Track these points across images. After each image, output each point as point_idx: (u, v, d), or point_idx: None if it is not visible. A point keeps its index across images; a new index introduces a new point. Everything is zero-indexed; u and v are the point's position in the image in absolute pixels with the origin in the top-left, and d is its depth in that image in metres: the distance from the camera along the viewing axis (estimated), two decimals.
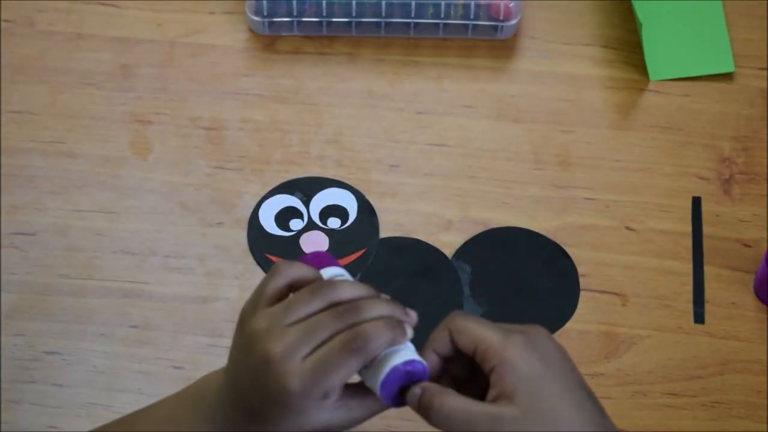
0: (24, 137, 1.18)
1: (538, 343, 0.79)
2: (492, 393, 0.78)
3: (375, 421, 0.83)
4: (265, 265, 1.12)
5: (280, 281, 0.82)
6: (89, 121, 1.20)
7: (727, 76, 1.23)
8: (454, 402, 0.78)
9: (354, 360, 0.78)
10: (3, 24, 1.25)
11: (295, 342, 0.78)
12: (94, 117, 1.20)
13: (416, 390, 0.80)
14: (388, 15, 1.22)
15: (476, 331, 0.80)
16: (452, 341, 0.81)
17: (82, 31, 1.24)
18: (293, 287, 0.82)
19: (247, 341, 0.80)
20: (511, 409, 0.77)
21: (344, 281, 0.82)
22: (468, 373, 0.82)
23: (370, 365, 0.80)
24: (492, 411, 0.77)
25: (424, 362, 0.80)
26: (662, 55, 1.23)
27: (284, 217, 1.15)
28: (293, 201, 1.16)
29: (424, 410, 0.79)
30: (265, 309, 0.80)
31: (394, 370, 0.79)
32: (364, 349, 0.78)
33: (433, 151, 1.19)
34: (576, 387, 0.78)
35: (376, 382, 0.80)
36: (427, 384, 0.80)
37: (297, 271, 0.82)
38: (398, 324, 0.80)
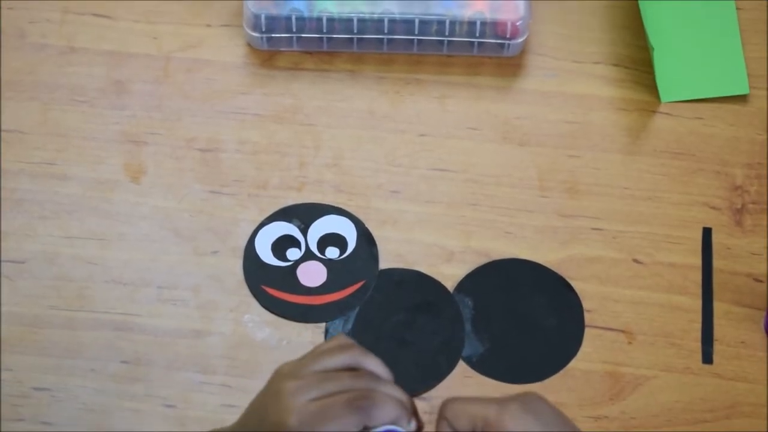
0: (13, 158, 1.15)
1: (534, 408, 0.80)
2: None
3: None
4: (260, 297, 1.09)
5: (333, 344, 0.86)
6: (81, 141, 1.16)
7: (741, 98, 1.19)
8: None
9: (353, 417, 0.79)
10: None
11: (307, 385, 0.81)
12: (86, 137, 1.16)
13: None
14: (391, 31, 1.18)
15: (471, 409, 0.80)
16: (452, 428, 0.81)
17: (75, 44, 1.20)
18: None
19: (271, 379, 0.84)
20: None
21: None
22: None
23: None
24: None
25: None
26: (674, 75, 1.19)
27: (281, 246, 1.11)
28: (290, 229, 1.12)
29: None
30: (301, 358, 0.85)
31: None
32: (368, 411, 0.80)
33: (436, 177, 1.15)
34: None
35: None
36: None
37: (349, 341, 0.86)
38: (407, 410, 0.82)
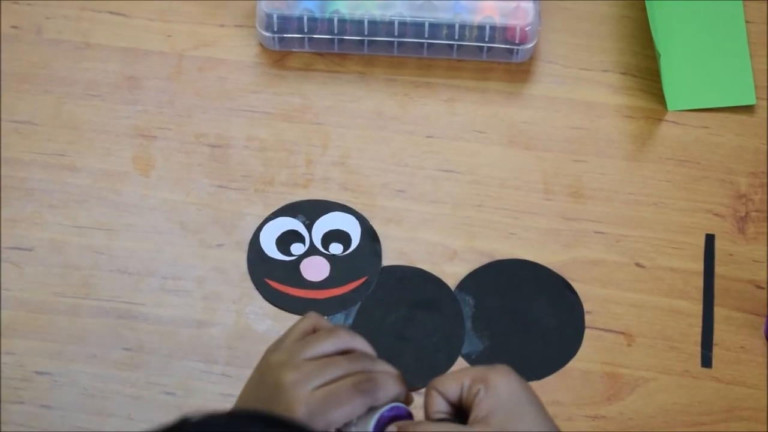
0: (26, 149, 1.17)
1: (518, 375, 0.82)
2: (472, 416, 0.80)
3: None
4: (263, 290, 1.10)
5: (307, 324, 0.87)
6: (92, 134, 1.17)
7: (748, 108, 1.20)
8: (427, 427, 0.81)
9: (361, 400, 0.81)
10: (10, 30, 1.23)
11: (308, 373, 0.82)
12: (97, 130, 1.18)
13: (391, 428, 0.82)
14: (401, 34, 1.19)
15: (458, 374, 0.83)
16: (443, 397, 0.82)
17: (90, 41, 1.22)
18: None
19: (262, 372, 0.84)
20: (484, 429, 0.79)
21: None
22: None
23: (357, 422, 0.82)
24: None
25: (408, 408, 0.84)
26: (681, 84, 1.20)
27: (286, 240, 1.12)
28: (295, 224, 1.13)
29: None
30: (286, 345, 0.85)
31: (381, 417, 0.82)
32: (374, 393, 0.82)
33: (441, 178, 1.16)
34: (548, 417, 0.81)
35: (368, 428, 0.82)
36: (400, 422, 0.83)
37: (325, 322, 0.88)
38: (406, 386, 0.84)
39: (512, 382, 0.80)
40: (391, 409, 0.83)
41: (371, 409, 0.83)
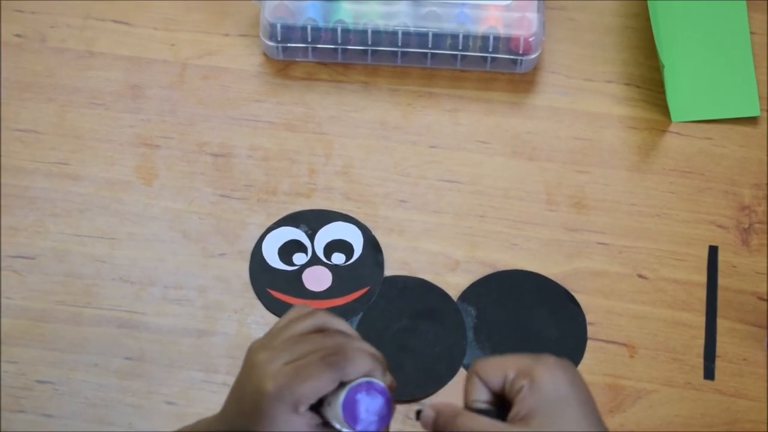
0: (28, 157, 1.17)
1: (569, 368, 0.79)
2: (513, 412, 0.77)
3: None
4: (265, 299, 1.10)
5: (295, 314, 0.85)
6: (95, 143, 1.18)
7: (752, 120, 1.19)
8: (472, 422, 0.78)
9: (328, 374, 0.79)
10: (14, 39, 1.23)
11: (279, 350, 0.81)
12: (100, 138, 1.18)
13: (428, 413, 0.80)
14: (405, 44, 1.19)
15: (504, 361, 0.79)
16: (484, 384, 0.79)
17: (94, 49, 1.22)
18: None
19: (245, 357, 0.83)
20: (524, 429, 0.76)
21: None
22: None
23: (333, 400, 0.80)
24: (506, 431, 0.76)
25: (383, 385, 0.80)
26: (685, 96, 1.20)
27: (288, 250, 1.12)
28: (298, 234, 1.13)
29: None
30: (268, 332, 0.84)
31: (351, 389, 0.79)
32: (342, 366, 0.79)
33: (444, 188, 1.16)
34: (595, 417, 0.78)
35: (338, 404, 0.79)
36: (439, 405, 0.80)
37: (311, 309, 0.86)
38: (380, 361, 0.81)
39: (559, 379, 0.77)
40: (361, 384, 0.79)
41: (343, 385, 0.80)
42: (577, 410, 0.77)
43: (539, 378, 0.77)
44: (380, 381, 0.80)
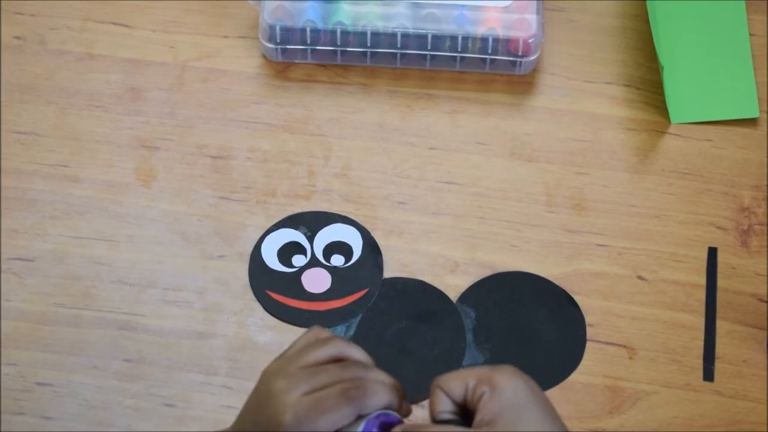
0: (28, 159, 1.17)
1: (525, 375, 0.81)
2: (477, 418, 0.79)
3: None
4: (264, 301, 1.10)
5: (310, 337, 0.86)
6: (95, 145, 1.18)
7: (751, 121, 1.19)
8: (431, 429, 0.80)
9: (348, 408, 0.80)
10: (14, 41, 1.23)
11: (297, 380, 0.81)
12: (100, 141, 1.18)
13: (396, 429, 0.81)
14: (404, 46, 1.19)
15: (463, 373, 0.81)
16: (447, 396, 0.81)
17: (93, 52, 1.22)
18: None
19: (258, 382, 0.84)
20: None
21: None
22: None
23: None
24: None
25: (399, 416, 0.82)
26: (685, 97, 1.20)
27: (287, 252, 1.12)
28: (297, 236, 1.13)
29: None
30: (284, 356, 0.85)
31: (369, 422, 0.81)
32: (362, 401, 0.80)
33: (443, 189, 1.16)
34: (556, 419, 0.80)
35: None
36: (405, 424, 0.81)
37: (328, 333, 0.87)
38: (398, 392, 0.82)
39: (518, 383, 0.79)
40: (379, 416, 0.81)
41: (360, 418, 0.81)
42: (539, 412, 0.79)
43: (499, 383, 0.79)
44: (397, 413, 0.81)
